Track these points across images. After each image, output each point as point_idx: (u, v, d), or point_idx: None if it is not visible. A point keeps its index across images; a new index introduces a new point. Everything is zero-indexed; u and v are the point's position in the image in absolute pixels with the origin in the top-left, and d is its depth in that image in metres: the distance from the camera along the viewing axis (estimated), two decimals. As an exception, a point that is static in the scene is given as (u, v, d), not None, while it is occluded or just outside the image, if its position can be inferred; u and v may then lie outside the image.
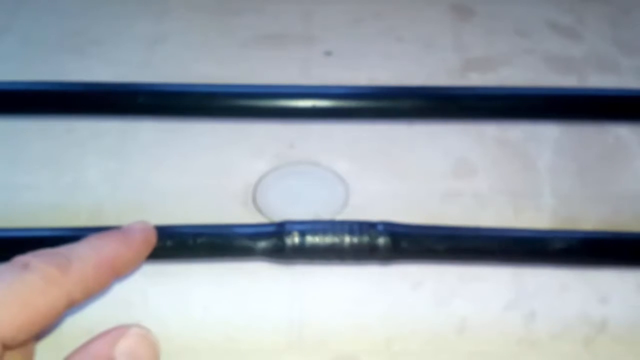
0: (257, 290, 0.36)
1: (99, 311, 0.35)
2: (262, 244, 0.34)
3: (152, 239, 0.33)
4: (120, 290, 0.35)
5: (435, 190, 0.40)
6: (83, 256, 0.28)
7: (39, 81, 0.42)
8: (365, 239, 0.34)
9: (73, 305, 0.28)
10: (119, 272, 0.30)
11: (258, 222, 0.36)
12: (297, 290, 0.36)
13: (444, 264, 0.36)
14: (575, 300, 0.35)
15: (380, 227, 0.34)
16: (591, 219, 0.39)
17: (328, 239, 0.34)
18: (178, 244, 0.34)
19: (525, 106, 0.43)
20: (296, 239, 0.34)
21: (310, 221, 0.35)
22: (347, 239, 0.34)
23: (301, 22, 0.50)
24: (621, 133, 0.43)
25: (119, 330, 0.27)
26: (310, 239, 0.34)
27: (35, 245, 0.35)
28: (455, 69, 0.47)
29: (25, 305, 0.25)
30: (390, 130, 0.42)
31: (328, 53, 0.48)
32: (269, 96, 0.37)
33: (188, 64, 0.46)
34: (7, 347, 0.25)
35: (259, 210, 0.39)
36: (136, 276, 0.36)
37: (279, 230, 0.34)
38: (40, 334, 0.29)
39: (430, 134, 0.42)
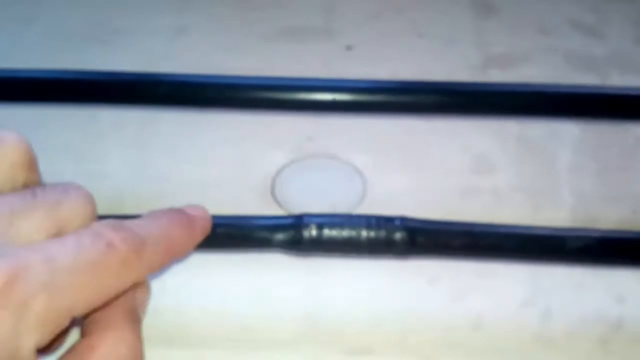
0: (273, 282, 0.36)
1: (118, 298, 0.35)
2: (280, 236, 0.34)
3: (208, 229, 0.32)
4: (139, 279, 0.36)
5: (454, 186, 0.40)
6: (156, 240, 0.28)
7: (62, 69, 0.42)
8: (382, 233, 0.34)
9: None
10: (176, 259, 0.30)
11: (276, 214, 0.37)
12: (313, 283, 0.36)
13: (460, 260, 0.36)
14: (591, 299, 0.35)
15: (397, 222, 0.34)
16: (610, 218, 0.39)
17: (345, 233, 0.34)
18: (196, 234, 0.34)
19: (545, 104, 0.42)
20: (313, 232, 0.34)
21: (327, 214, 0.35)
22: (364, 233, 0.34)
23: (322, 16, 0.50)
24: (642, 133, 0.43)
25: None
26: (327, 232, 0.34)
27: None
28: (476, 65, 0.47)
29: (101, 285, 0.25)
30: (409, 125, 0.42)
31: (349, 47, 0.48)
32: (289, 89, 0.37)
33: (209, 56, 0.47)
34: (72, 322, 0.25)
35: (277, 202, 0.39)
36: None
37: (297, 222, 0.34)
38: None
39: (449, 130, 0.42)
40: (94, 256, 0.25)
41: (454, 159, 0.41)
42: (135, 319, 0.28)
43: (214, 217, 0.35)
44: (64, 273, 0.24)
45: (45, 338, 0.24)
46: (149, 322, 0.34)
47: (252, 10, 0.50)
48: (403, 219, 0.34)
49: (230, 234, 0.34)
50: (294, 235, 0.34)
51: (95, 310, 0.26)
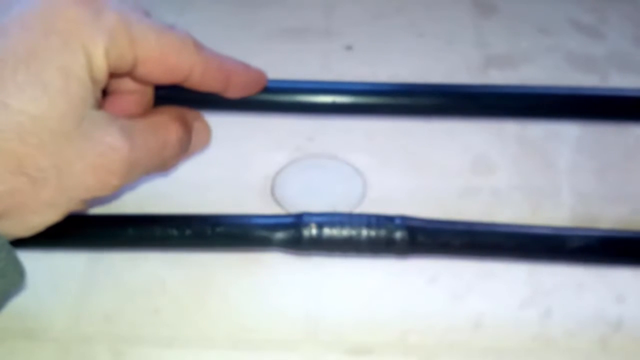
0: (273, 281, 0.36)
1: (117, 298, 0.35)
2: (280, 235, 0.34)
3: (262, 83, 0.34)
4: (139, 278, 0.36)
5: (453, 186, 0.40)
6: (211, 53, 0.31)
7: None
8: (383, 232, 0.34)
9: (191, 83, 0.31)
10: (229, 89, 0.32)
11: (276, 214, 0.37)
12: (313, 282, 0.36)
13: (460, 260, 0.36)
14: (591, 298, 0.35)
15: (397, 221, 0.34)
16: (609, 218, 0.39)
17: (345, 232, 0.34)
18: (196, 233, 0.34)
19: (545, 105, 0.42)
20: (313, 231, 0.34)
21: (327, 213, 0.35)
22: (364, 232, 0.34)
23: (322, 16, 0.50)
24: (642, 133, 0.43)
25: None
26: (327, 231, 0.34)
27: (54, 230, 0.36)
28: (476, 65, 0.47)
29: (162, 53, 0.29)
30: (409, 126, 0.42)
31: (349, 48, 0.48)
32: (290, 91, 0.37)
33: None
34: (134, 72, 0.29)
35: (277, 202, 0.39)
36: (155, 264, 0.36)
37: (297, 221, 0.34)
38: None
39: (449, 131, 0.42)
40: (160, 28, 0.29)
41: (453, 160, 0.41)
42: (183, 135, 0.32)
43: (214, 217, 0.35)
44: (134, 18, 0.28)
45: (112, 52, 0.27)
46: (149, 322, 0.34)
47: (252, 10, 0.50)
48: (403, 218, 0.34)
49: (230, 233, 0.34)
50: (294, 234, 0.34)
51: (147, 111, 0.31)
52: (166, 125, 0.31)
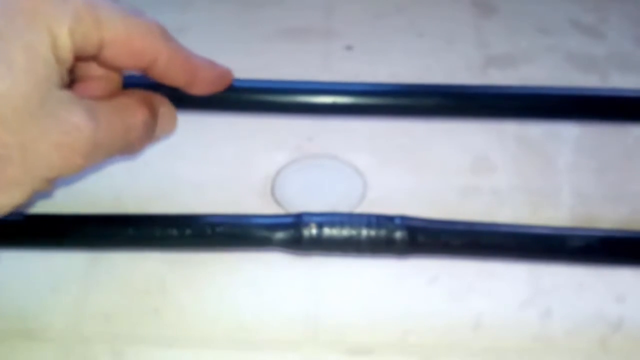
0: (273, 281, 0.36)
1: (117, 298, 0.35)
2: (280, 235, 0.34)
3: (228, 81, 0.34)
4: (139, 278, 0.36)
5: (453, 186, 0.40)
6: (178, 45, 0.31)
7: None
8: (383, 232, 0.34)
9: (155, 72, 0.31)
10: (195, 84, 0.32)
11: (276, 214, 0.37)
12: (313, 282, 0.36)
13: (460, 260, 0.36)
14: (591, 298, 0.35)
15: (397, 221, 0.34)
16: (609, 218, 0.39)
17: (345, 232, 0.34)
18: (196, 233, 0.34)
19: (545, 105, 0.42)
20: (313, 231, 0.34)
21: (327, 213, 0.35)
22: (364, 232, 0.34)
23: (323, 16, 0.50)
24: (641, 133, 0.43)
25: None
26: (327, 231, 0.34)
27: (54, 230, 0.36)
28: (476, 65, 0.47)
29: (128, 36, 0.29)
30: (409, 127, 0.42)
31: (349, 47, 0.48)
32: (290, 92, 0.37)
33: (210, 56, 0.46)
34: (100, 55, 0.29)
35: (277, 202, 0.39)
36: (155, 264, 0.36)
37: (297, 221, 0.34)
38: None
39: (449, 131, 0.42)
40: (129, 11, 0.29)
41: (453, 160, 0.41)
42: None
43: (214, 217, 0.35)
44: (101, 1, 0.28)
45: (77, 32, 0.28)
46: (149, 322, 0.34)
47: (252, 10, 0.50)
48: (403, 218, 0.34)
49: (230, 233, 0.34)
50: (294, 234, 0.34)
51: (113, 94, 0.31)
52: (131, 107, 0.31)
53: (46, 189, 0.30)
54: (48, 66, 0.27)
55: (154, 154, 0.41)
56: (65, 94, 0.28)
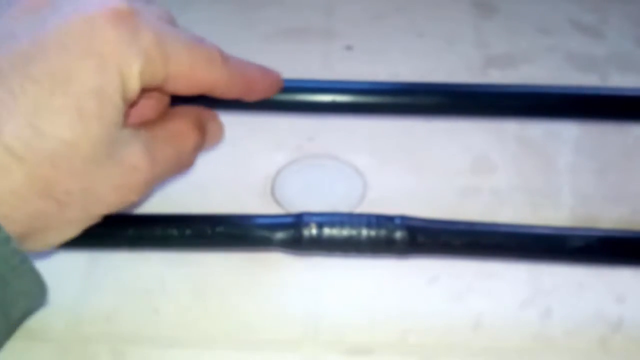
0: (273, 281, 0.36)
1: (117, 298, 0.35)
2: (280, 235, 0.34)
3: (279, 86, 0.34)
4: (139, 278, 0.36)
5: (454, 186, 0.40)
6: (237, 61, 0.31)
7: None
8: (383, 232, 0.34)
9: (214, 93, 0.31)
10: (249, 95, 0.33)
11: (276, 214, 0.37)
12: (313, 282, 0.36)
13: (460, 259, 0.36)
14: (591, 298, 0.35)
15: (397, 221, 0.34)
16: (610, 218, 0.39)
17: (345, 232, 0.34)
18: (196, 233, 0.34)
19: (545, 105, 0.42)
20: (314, 231, 0.34)
21: (328, 213, 0.35)
22: (364, 232, 0.34)
23: (323, 16, 0.50)
24: (641, 133, 0.43)
25: None
26: (327, 231, 0.34)
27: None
28: (476, 65, 0.47)
29: (192, 69, 0.29)
30: (409, 126, 0.42)
31: (349, 47, 0.48)
32: (289, 90, 0.37)
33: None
34: (164, 86, 0.29)
35: (277, 202, 0.39)
36: (155, 264, 0.36)
37: (297, 221, 0.34)
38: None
39: (449, 131, 0.42)
40: (191, 40, 0.29)
41: (453, 160, 0.41)
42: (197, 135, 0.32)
43: (214, 217, 0.35)
44: (169, 35, 0.28)
45: (146, 72, 0.27)
46: (149, 322, 0.34)
47: (252, 10, 0.50)
48: (403, 218, 0.34)
49: (230, 233, 0.34)
50: (294, 234, 0.34)
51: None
52: (184, 134, 0.31)
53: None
54: (116, 110, 0.27)
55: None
56: (127, 133, 0.28)
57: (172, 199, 0.39)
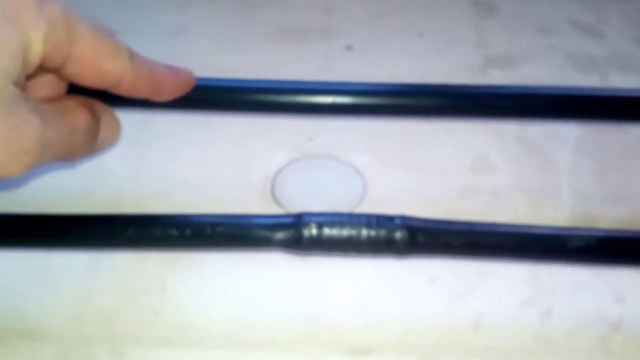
0: (273, 281, 0.36)
1: (117, 298, 0.35)
2: (280, 235, 0.34)
3: (190, 85, 0.34)
4: (139, 278, 0.36)
5: (453, 186, 0.40)
6: (145, 60, 0.31)
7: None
8: (383, 232, 0.34)
9: (119, 90, 0.31)
10: (157, 95, 0.32)
11: (276, 214, 0.37)
12: (313, 282, 0.36)
13: (460, 259, 0.36)
14: (591, 298, 0.35)
15: (397, 221, 0.34)
16: (610, 218, 0.39)
17: (345, 232, 0.34)
18: (196, 233, 0.34)
19: (545, 105, 0.42)
20: (313, 231, 0.34)
21: (328, 213, 0.35)
22: (364, 232, 0.34)
23: (323, 16, 0.50)
24: (641, 133, 0.43)
25: None
26: (327, 231, 0.34)
27: (54, 230, 0.36)
28: (476, 65, 0.47)
29: (96, 55, 0.29)
30: (409, 127, 0.42)
31: (349, 48, 0.48)
32: (290, 92, 0.37)
33: (209, 56, 0.47)
34: (64, 69, 0.29)
35: (277, 202, 0.39)
36: (155, 264, 0.36)
37: (297, 221, 0.34)
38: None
39: (449, 131, 0.42)
40: (101, 30, 0.29)
41: (453, 160, 0.41)
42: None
43: (214, 217, 0.35)
44: (77, 17, 0.29)
45: (50, 40, 0.28)
46: (149, 322, 0.34)
47: (252, 10, 0.50)
48: (403, 218, 0.34)
49: (230, 233, 0.34)
50: (294, 234, 0.34)
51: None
52: (74, 110, 0.31)
53: None
54: (13, 62, 0.27)
55: (154, 154, 0.41)
56: (18, 91, 0.28)
57: (172, 199, 0.39)
